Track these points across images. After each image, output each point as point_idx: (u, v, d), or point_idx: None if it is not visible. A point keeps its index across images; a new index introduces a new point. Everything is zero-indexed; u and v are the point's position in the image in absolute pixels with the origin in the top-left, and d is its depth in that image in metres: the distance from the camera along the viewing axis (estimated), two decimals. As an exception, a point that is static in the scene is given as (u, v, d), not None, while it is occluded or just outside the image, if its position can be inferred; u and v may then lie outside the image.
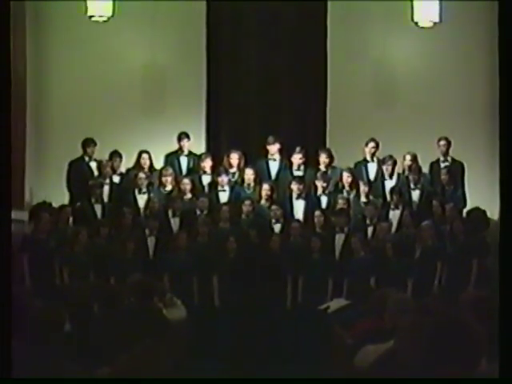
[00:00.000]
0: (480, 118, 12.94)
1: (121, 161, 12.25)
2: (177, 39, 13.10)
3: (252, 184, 11.88)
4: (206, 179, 12.13)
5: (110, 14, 12.13)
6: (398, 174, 12.13)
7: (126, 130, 12.89)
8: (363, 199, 11.74)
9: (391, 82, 13.23)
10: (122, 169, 12.32)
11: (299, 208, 11.73)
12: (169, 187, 11.92)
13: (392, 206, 11.57)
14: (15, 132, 10.88)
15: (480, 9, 12.71)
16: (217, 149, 12.96)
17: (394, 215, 11.52)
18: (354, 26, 13.09)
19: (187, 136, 12.43)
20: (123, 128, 12.91)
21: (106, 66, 13.08)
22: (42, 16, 13.01)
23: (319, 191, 11.81)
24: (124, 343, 5.94)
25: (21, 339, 4.56)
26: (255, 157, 12.43)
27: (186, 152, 12.45)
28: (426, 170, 12.29)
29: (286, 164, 12.28)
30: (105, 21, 12.18)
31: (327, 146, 12.76)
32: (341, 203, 11.51)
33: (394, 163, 12.08)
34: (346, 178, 11.85)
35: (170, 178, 11.92)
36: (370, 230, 11.36)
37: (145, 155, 12.13)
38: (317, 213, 11.36)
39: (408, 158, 12.11)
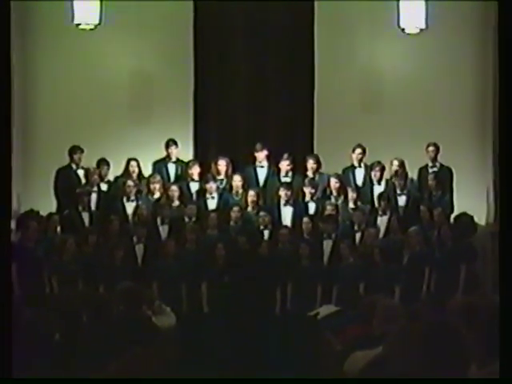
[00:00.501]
0: (468, 123, 12.99)
1: (108, 168, 12.23)
2: (164, 47, 13.10)
3: (240, 191, 11.89)
4: (194, 186, 12.13)
5: (97, 22, 12.12)
6: (387, 180, 12.16)
7: (114, 138, 12.87)
8: (351, 205, 11.76)
9: (379, 88, 13.27)
10: (110, 176, 12.30)
11: (287, 214, 11.74)
12: (157, 194, 11.92)
13: (380, 212, 11.60)
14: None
15: (467, 14, 12.77)
16: (204, 156, 12.96)
17: (382, 221, 11.55)
18: (341, 33, 13.12)
19: (175, 143, 12.43)
20: (111, 135, 12.89)
21: (93, 73, 13.07)
22: (28, 24, 12.98)
23: (307, 197, 11.83)
24: (113, 351, 5.93)
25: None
26: (243, 164, 12.44)
27: (173, 159, 12.45)
28: (414, 175, 12.32)
29: (273, 171, 12.29)
30: (91, 29, 12.17)
31: (315, 152, 12.77)
32: (329, 209, 11.52)
33: (383, 169, 12.12)
34: (334, 183, 11.87)
35: (157, 185, 11.91)
36: (358, 236, 11.38)
37: (133, 163, 12.12)
38: (305, 219, 11.37)
39: (395, 163, 12.15)
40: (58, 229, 11.41)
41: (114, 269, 10.64)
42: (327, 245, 11.20)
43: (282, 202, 11.73)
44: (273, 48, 13.35)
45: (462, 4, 12.78)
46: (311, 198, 11.82)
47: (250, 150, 12.37)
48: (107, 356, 5.72)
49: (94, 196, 11.88)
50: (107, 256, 10.87)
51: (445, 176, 12.17)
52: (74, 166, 12.16)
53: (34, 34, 13.04)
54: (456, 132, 12.91)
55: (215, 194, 11.87)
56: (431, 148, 12.30)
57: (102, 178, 12.13)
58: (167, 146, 12.40)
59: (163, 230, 11.48)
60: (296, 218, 11.61)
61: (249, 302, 10.57)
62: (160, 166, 12.41)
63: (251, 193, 11.73)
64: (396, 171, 12.11)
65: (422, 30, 12.25)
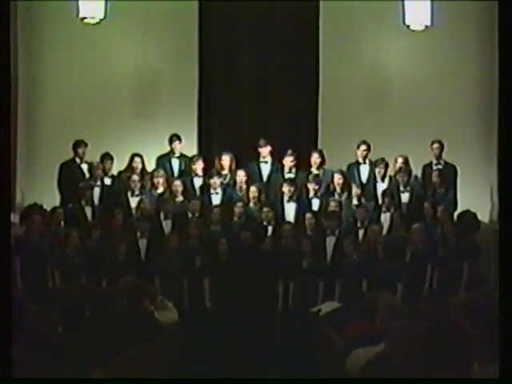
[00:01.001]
0: (473, 121, 12.98)
1: (112, 163, 12.23)
2: (169, 42, 13.10)
3: (244, 186, 11.89)
4: (198, 181, 12.13)
5: (102, 16, 12.12)
6: (390, 177, 12.15)
7: (118, 132, 12.88)
8: (355, 202, 11.76)
9: (384, 85, 13.26)
10: (114, 171, 12.30)
11: (290, 210, 11.73)
12: (160, 189, 11.92)
13: (384, 209, 11.59)
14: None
15: (472, 12, 12.75)
16: (208, 151, 12.96)
17: (386, 218, 11.54)
18: (346, 29, 13.11)
19: (179, 138, 12.43)
20: (115, 130, 12.90)
21: (97, 68, 13.07)
22: (33, 18, 12.99)
23: (311, 194, 11.83)
24: (116, 345, 5.94)
25: (15, 341, 4.56)
26: (247, 159, 12.44)
27: (177, 154, 12.45)
28: (419, 173, 12.31)
29: (277, 166, 12.29)
30: (97, 23, 12.18)
31: (319, 148, 12.76)
32: (332, 206, 11.52)
33: (386, 166, 12.11)
34: (338, 180, 11.86)
35: (161, 180, 11.92)
36: (361, 232, 11.37)
37: (137, 159, 12.12)
38: (308, 215, 11.36)
39: (400, 160, 12.14)
40: (62, 223, 11.41)
41: (116, 263, 10.64)
42: (330, 241, 11.19)
43: (286, 198, 11.73)
44: (278, 44, 13.34)
45: (468, 1, 12.76)
46: (315, 195, 11.82)
47: (254, 145, 12.37)
48: (109, 350, 5.74)
49: (97, 190, 11.89)
50: (110, 250, 10.87)
51: (449, 173, 12.16)
52: (77, 161, 12.16)
53: (40, 29, 13.05)
54: (461, 129, 12.89)
55: (219, 190, 11.87)
56: (436, 145, 12.30)
57: (105, 173, 12.13)
58: (171, 141, 12.41)
59: (166, 225, 11.49)
60: (299, 214, 11.60)
61: (251, 297, 10.57)
62: (164, 161, 12.41)
63: (253, 189, 11.73)
64: (400, 168, 12.10)
65: (427, 27, 12.24)
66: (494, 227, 11.73)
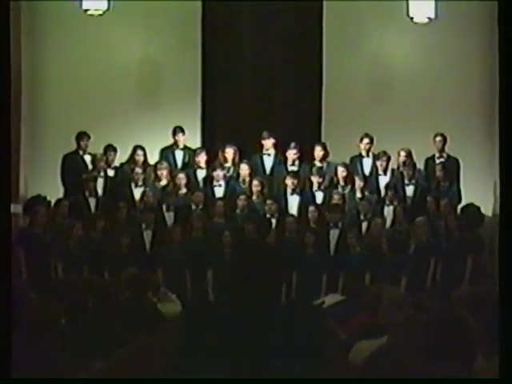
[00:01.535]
0: (476, 114, 12.96)
1: (115, 155, 12.23)
2: (172, 34, 13.09)
3: (247, 179, 11.88)
4: (201, 174, 12.13)
5: (105, 7, 12.11)
6: (393, 170, 12.14)
7: (121, 124, 12.88)
8: (358, 195, 11.75)
9: (387, 78, 13.23)
10: (117, 163, 12.30)
11: (293, 203, 11.73)
12: (164, 181, 11.92)
13: (387, 202, 11.58)
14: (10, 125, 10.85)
15: (476, 5, 12.71)
16: (212, 143, 12.96)
17: (389, 211, 11.53)
18: (349, 22, 13.08)
19: (182, 130, 12.43)
20: (118, 122, 12.90)
21: (101, 60, 13.06)
22: (37, 9, 12.98)
23: (315, 187, 11.82)
24: (119, 337, 5.95)
25: (18, 333, 4.57)
26: (250, 152, 12.43)
27: (181, 146, 12.45)
28: (421, 166, 12.30)
29: (280, 159, 12.28)
30: (100, 15, 12.16)
31: (322, 141, 12.75)
32: (336, 198, 11.51)
33: (388, 159, 12.10)
34: (341, 172, 11.85)
35: (165, 172, 11.91)
36: (364, 225, 11.36)
37: (139, 151, 12.12)
38: (311, 208, 11.35)
39: (402, 153, 12.12)
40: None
41: (120, 255, 10.65)
42: (333, 234, 11.19)
43: (289, 190, 11.72)
44: (281, 36, 13.32)
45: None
46: (318, 187, 11.81)
47: (258, 137, 12.36)
48: (112, 341, 5.74)
49: (100, 182, 11.89)
50: (114, 242, 10.88)
51: (452, 166, 12.15)
52: (80, 152, 12.16)
53: (43, 20, 13.03)
54: (464, 122, 12.88)
55: (222, 182, 11.87)
56: (438, 138, 12.28)
57: (108, 164, 12.13)
58: (174, 133, 12.40)
59: (169, 217, 11.49)
60: (302, 206, 11.59)
61: (254, 290, 10.55)
62: (167, 153, 12.41)
63: (255, 182, 11.71)
64: (404, 161, 12.08)
65: (430, 19, 12.21)
66: (497, 220, 11.71)
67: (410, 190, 11.94)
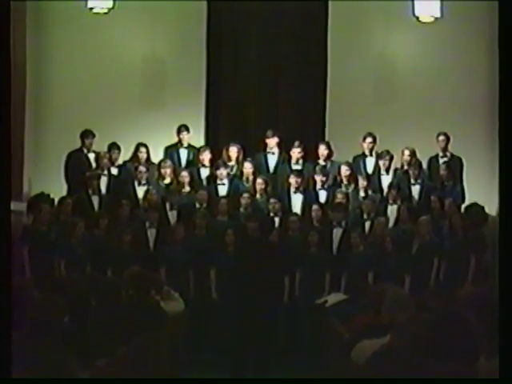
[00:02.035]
0: (479, 113, 12.94)
1: (119, 153, 12.23)
2: (177, 32, 13.09)
3: (251, 177, 11.88)
4: (205, 172, 12.13)
5: (111, 5, 12.11)
6: (395, 169, 12.13)
7: (126, 123, 12.89)
8: (362, 194, 11.75)
9: (391, 77, 13.22)
10: (121, 161, 12.30)
11: (297, 202, 11.73)
12: (167, 179, 11.91)
13: (390, 201, 11.57)
14: (14, 123, 10.85)
15: (481, 4, 12.69)
16: (216, 142, 12.96)
17: (392, 210, 11.52)
18: (354, 21, 13.08)
19: (187, 129, 12.43)
20: (122, 120, 12.91)
21: (105, 58, 13.07)
22: (42, 7, 12.99)
23: (318, 185, 11.82)
24: (122, 335, 5.95)
25: (21, 330, 4.58)
26: (254, 150, 12.43)
27: (185, 145, 12.45)
28: (424, 165, 12.29)
29: (284, 158, 12.28)
30: (105, 13, 12.16)
31: (326, 140, 12.75)
32: (339, 197, 11.51)
33: (391, 158, 12.09)
34: (345, 171, 11.85)
35: (168, 170, 11.91)
36: (367, 224, 11.36)
37: (142, 149, 12.12)
38: (314, 207, 11.35)
39: (406, 153, 12.11)
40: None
41: (123, 253, 10.66)
42: (337, 233, 11.19)
43: (292, 189, 11.72)
44: (286, 35, 13.32)
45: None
46: (322, 186, 11.81)
47: (262, 136, 12.36)
48: (115, 339, 5.75)
49: (104, 180, 11.89)
50: (117, 240, 10.88)
51: (456, 166, 12.14)
52: (84, 150, 12.17)
53: (48, 18, 13.04)
54: (467, 122, 12.87)
55: (226, 181, 11.87)
56: (442, 138, 12.27)
57: (112, 162, 12.14)
58: (179, 131, 12.40)
59: (172, 216, 11.49)
60: (306, 205, 11.59)
61: (257, 288, 10.55)
62: (172, 151, 12.41)
63: (259, 181, 11.72)
64: (409, 160, 12.06)
65: (436, 18, 12.20)
66: (501, 220, 11.69)
67: (415, 190, 11.92)
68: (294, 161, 12.16)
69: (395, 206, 11.52)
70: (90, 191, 11.64)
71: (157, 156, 12.32)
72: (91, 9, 12.09)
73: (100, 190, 11.75)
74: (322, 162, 12.13)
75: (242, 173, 12.00)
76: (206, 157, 12.14)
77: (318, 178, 11.82)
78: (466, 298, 5.32)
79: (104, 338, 5.66)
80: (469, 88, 12.97)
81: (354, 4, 12.96)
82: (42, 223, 10.77)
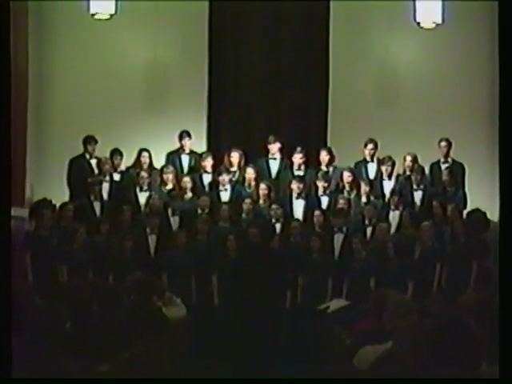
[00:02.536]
0: (481, 119, 12.94)
1: (121, 159, 12.24)
2: (179, 37, 13.11)
3: (253, 183, 11.89)
4: (207, 178, 12.14)
5: (113, 11, 12.12)
6: (398, 175, 12.13)
7: (128, 128, 12.89)
8: (364, 199, 11.74)
9: (393, 83, 13.23)
10: (123, 167, 12.31)
11: (299, 208, 11.73)
12: (170, 185, 11.92)
13: (392, 207, 11.57)
14: (16, 129, 10.88)
15: (482, 10, 12.70)
16: (218, 148, 12.96)
17: (394, 216, 11.52)
18: (356, 26, 13.09)
19: (188, 135, 12.44)
20: (125, 126, 12.91)
21: (107, 63, 13.09)
22: (44, 13, 13.01)
23: (320, 191, 11.82)
24: (124, 341, 5.95)
25: (23, 336, 4.58)
26: (256, 156, 12.43)
27: (187, 151, 12.46)
28: (426, 171, 12.29)
29: (286, 163, 12.28)
30: (107, 18, 12.18)
31: (328, 145, 12.75)
32: (341, 203, 11.50)
33: (393, 164, 12.09)
34: (347, 177, 11.85)
35: (170, 176, 11.92)
36: (369, 230, 11.36)
37: (145, 153, 12.14)
38: (316, 212, 11.36)
39: (408, 158, 12.11)
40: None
41: (125, 259, 10.66)
42: (338, 239, 11.19)
43: (294, 195, 11.72)
44: (288, 40, 13.33)
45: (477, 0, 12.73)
46: (324, 192, 11.81)
47: (263, 142, 12.37)
48: (117, 345, 5.74)
49: (106, 186, 11.89)
50: (119, 246, 10.88)
51: (458, 171, 12.14)
52: (87, 156, 12.18)
53: (51, 24, 13.07)
54: (469, 127, 12.87)
55: (228, 186, 11.87)
56: (443, 143, 12.27)
57: (114, 168, 12.14)
58: (181, 137, 12.41)
59: (174, 221, 11.49)
60: (308, 211, 11.59)
61: (259, 294, 10.56)
62: (174, 157, 12.42)
63: (262, 186, 11.72)
64: (411, 166, 12.06)
65: (438, 24, 12.20)
66: (503, 226, 11.67)
67: (418, 195, 11.91)
68: (295, 166, 12.16)
69: (397, 212, 11.52)
70: (92, 197, 11.64)
71: (159, 162, 12.33)
72: (93, 15, 12.10)
73: (102, 196, 11.75)
74: (323, 167, 12.13)
75: (244, 178, 12.00)
76: (208, 163, 12.14)
77: (320, 184, 11.82)
78: (467, 304, 5.32)
79: (106, 343, 5.66)
80: (470, 93, 12.98)
81: (356, 9, 12.97)
82: (44, 229, 10.77)
